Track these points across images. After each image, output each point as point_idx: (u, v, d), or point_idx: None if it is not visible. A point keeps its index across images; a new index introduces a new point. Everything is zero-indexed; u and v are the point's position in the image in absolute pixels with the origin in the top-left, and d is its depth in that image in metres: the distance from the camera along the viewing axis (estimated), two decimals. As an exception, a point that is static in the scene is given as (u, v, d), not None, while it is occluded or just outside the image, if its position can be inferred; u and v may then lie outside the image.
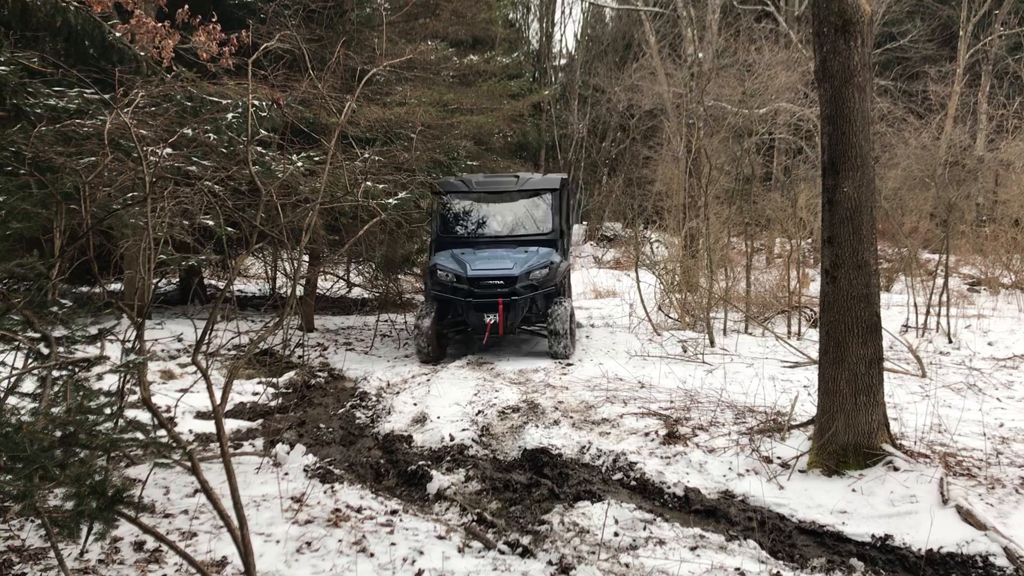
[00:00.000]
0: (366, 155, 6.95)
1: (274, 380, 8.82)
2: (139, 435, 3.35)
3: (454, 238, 10.59)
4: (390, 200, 6.55)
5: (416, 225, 11.21)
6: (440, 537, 4.58)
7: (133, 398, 5.95)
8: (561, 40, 60.97)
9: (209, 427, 6.86)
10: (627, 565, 4.38)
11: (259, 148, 5.91)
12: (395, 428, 7.21)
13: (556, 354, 9.76)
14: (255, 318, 11.72)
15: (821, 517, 5.13)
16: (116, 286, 11.70)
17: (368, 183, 5.60)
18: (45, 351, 3.48)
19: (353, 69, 7.19)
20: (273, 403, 8.03)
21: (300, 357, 10.08)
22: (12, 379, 3.43)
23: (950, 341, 10.62)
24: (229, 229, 5.37)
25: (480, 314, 9.45)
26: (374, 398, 8.41)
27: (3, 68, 4.63)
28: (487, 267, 9.48)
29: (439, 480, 5.72)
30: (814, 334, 10.37)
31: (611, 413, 7.35)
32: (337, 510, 4.93)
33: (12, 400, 3.34)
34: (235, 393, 8.11)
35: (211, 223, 5.23)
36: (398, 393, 8.52)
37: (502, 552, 4.42)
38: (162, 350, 9.42)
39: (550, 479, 5.79)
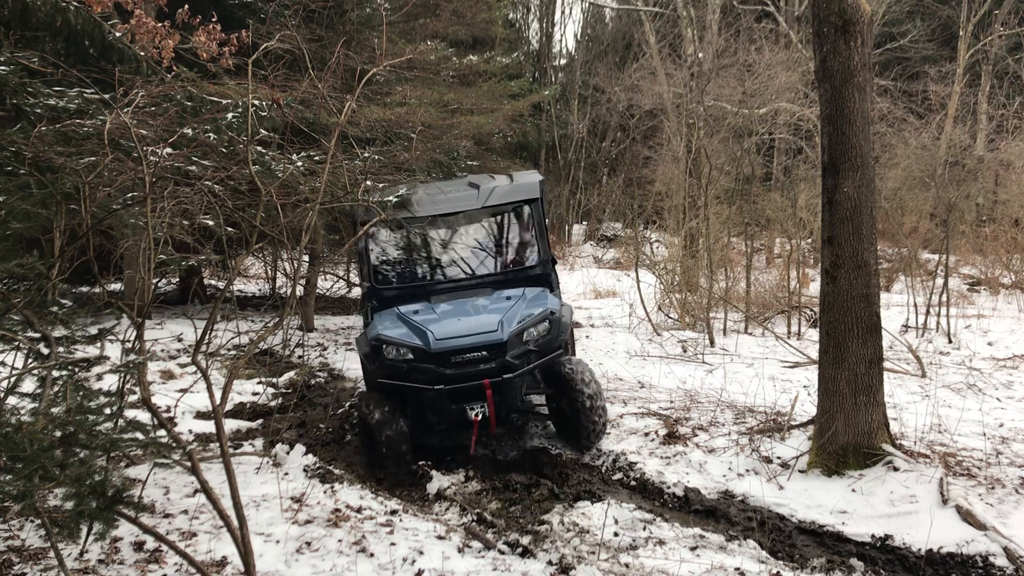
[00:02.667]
0: (366, 155, 6.95)
1: (274, 380, 8.82)
2: (139, 435, 3.35)
3: (397, 289, 6.90)
4: (390, 198, 6.55)
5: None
6: (440, 537, 4.57)
7: (133, 398, 5.95)
8: (561, 40, 60.99)
9: (209, 427, 6.86)
10: (627, 565, 4.38)
11: (259, 148, 5.91)
12: (395, 428, 7.21)
13: (586, 446, 6.33)
14: (255, 318, 11.72)
15: (821, 517, 5.14)
16: (116, 286, 11.70)
17: (368, 183, 5.60)
18: (45, 351, 3.48)
19: (353, 69, 7.19)
20: (273, 403, 8.03)
21: (300, 357, 10.08)
22: (12, 379, 3.43)
23: (950, 341, 10.62)
24: (229, 229, 5.37)
25: (458, 407, 5.96)
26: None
27: (3, 68, 4.63)
28: (458, 331, 6.00)
29: (439, 480, 5.71)
30: (814, 334, 10.37)
31: (611, 413, 7.35)
32: (337, 510, 4.93)
33: (12, 400, 3.34)
34: (235, 393, 8.11)
35: (211, 223, 5.23)
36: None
37: (502, 552, 4.42)
38: (162, 350, 9.42)
39: (550, 479, 5.80)
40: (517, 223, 7.46)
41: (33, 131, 4.29)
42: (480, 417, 5.93)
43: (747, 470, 5.83)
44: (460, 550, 4.40)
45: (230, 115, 5.50)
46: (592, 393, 6.14)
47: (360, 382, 9.08)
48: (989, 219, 18.14)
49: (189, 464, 3.51)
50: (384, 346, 6.05)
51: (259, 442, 6.61)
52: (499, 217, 7.46)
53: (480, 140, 16.33)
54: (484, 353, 5.92)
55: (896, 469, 5.45)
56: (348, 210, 7.09)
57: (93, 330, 3.90)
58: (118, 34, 5.89)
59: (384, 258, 7.27)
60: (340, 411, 7.91)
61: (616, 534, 4.84)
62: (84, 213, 4.14)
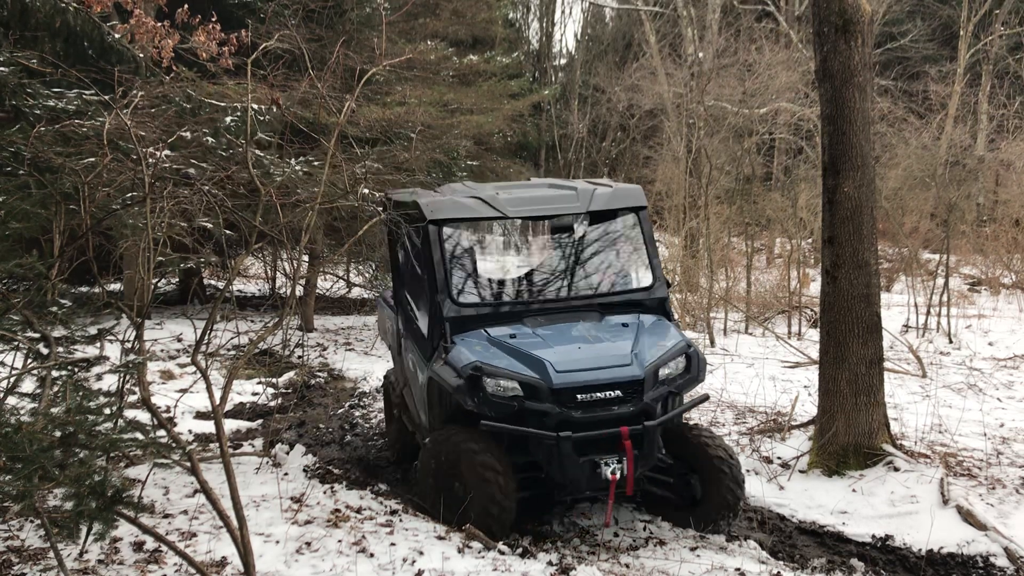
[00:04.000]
0: (366, 161, 6.94)
1: (274, 380, 8.82)
2: (139, 435, 3.35)
3: (486, 307, 5.34)
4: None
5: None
6: (440, 537, 4.57)
7: (133, 398, 5.95)
8: (561, 40, 60.94)
9: (209, 427, 6.86)
10: (627, 565, 4.38)
11: (258, 152, 5.91)
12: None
13: (720, 528, 4.99)
14: (255, 318, 11.72)
15: (821, 517, 5.13)
16: (116, 286, 11.70)
17: (366, 191, 5.60)
18: (45, 351, 3.48)
19: (353, 69, 7.19)
20: (273, 403, 8.03)
21: (300, 357, 10.08)
22: (12, 379, 3.43)
23: (950, 341, 10.61)
24: (227, 232, 5.37)
25: (587, 462, 4.59)
26: (374, 398, 8.41)
27: (2, 68, 4.63)
28: (582, 363, 4.71)
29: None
30: (814, 334, 10.37)
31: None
32: (337, 510, 4.92)
33: (12, 400, 3.33)
34: (235, 393, 8.11)
35: (210, 224, 5.22)
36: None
37: (502, 552, 4.42)
38: (162, 350, 9.42)
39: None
40: (624, 235, 5.83)
41: (32, 131, 4.28)
42: (618, 476, 4.51)
43: (747, 470, 5.82)
44: (460, 550, 4.39)
45: (228, 119, 5.50)
46: (735, 461, 4.94)
47: (360, 382, 9.06)
48: (990, 219, 18.14)
49: (189, 464, 3.51)
50: (484, 378, 4.57)
51: (259, 442, 6.61)
52: (603, 226, 5.81)
53: (480, 140, 16.33)
54: (618, 393, 4.60)
55: (897, 469, 5.44)
56: (395, 203, 5.78)
57: (93, 330, 3.89)
58: (117, 35, 5.89)
59: (464, 267, 5.48)
60: (340, 411, 7.91)
61: (616, 534, 4.84)
62: (83, 213, 4.14)
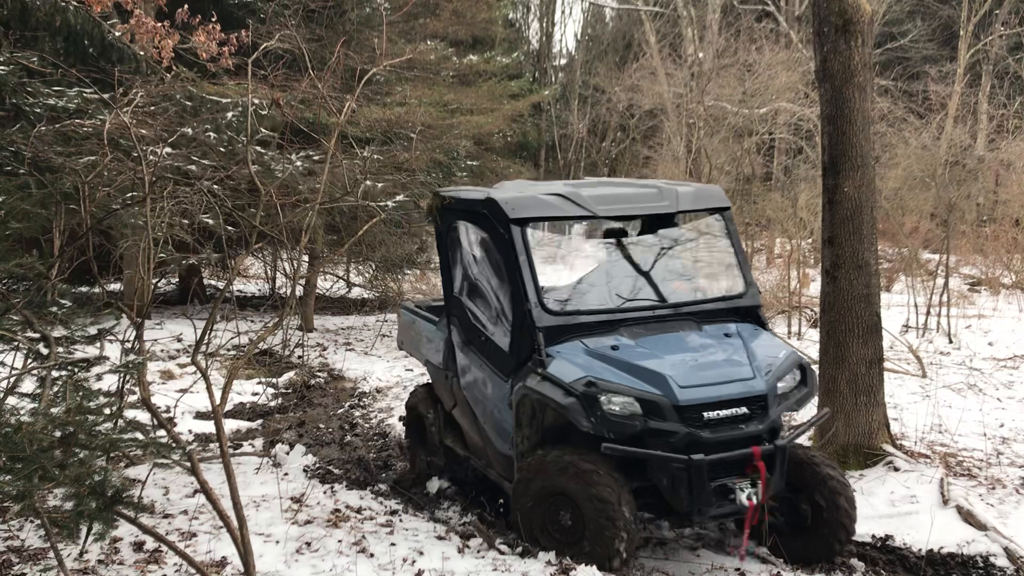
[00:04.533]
0: (366, 154, 6.93)
1: (274, 380, 8.82)
2: (139, 435, 3.35)
3: (579, 316, 4.69)
4: (388, 203, 6.53)
5: (416, 225, 11.14)
6: (440, 537, 4.57)
7: (133, 398, 5.95)
8: (561, 40, 60.95)
9: (209, 427, 6.85)
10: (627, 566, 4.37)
11: (259, 148, 5.90)
12: (395, 428, 7.21)
13: (832, 557, 4.54)
14: (255, 318, 11.72)
15: (821, 517, 5.12)
16: (116, 286, 11.70)
17: (368, 182, 5.59)
18: (45, 351, 3.47)
19: (353, 69, 7.19)
20: (273, 403, 8.03)
21: (300, 357, 10.07)
22: (12, 379, 3.43)
23: (950, 341, 10.61)
24: (229, 228, 5.37)
25: (719, 487, 4.17)
26: (373, 398, 8.41)
27: (3, 68, 4.63)
28: (704, 377, 4.28)
29: (439, 480, 5.71)
30: (814, 334, 10.36)
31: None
32: (337, 510, 4.92)
33: (12, 400, 3.33)
34: (235, 393, 8.11)
35: (211, 223, 5.22)
36: (398, 394, 8.52)
37: (502, 552, 4.42)
38: (162, 350, 9.42)
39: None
40: (711, 237, 5.39)
41: (33, 131, 4.29)
42: (755, 501, 4.09)
43: (747, 470, 5.82)
44: (460, 550, 4.39)
45: (230, 114, 5.50)
46: (848, 483, 4.49)
47: (360, 382, 9.05)
48: (990, 219, 18.14)
49: (189, 464, 3.50)
50: (600, 395, 4.08)
51: (259, 442, 6.61)
52: (690, 228, 5.49)
53: (480, 140, 16.32)
54: (744, 409, 4.17)
55: (897, 469, 5.44)
56: (453, 200, 5.24)
57: (93, 330, 3.89)
58: (118, 34, 5.89)
59: (550, 271, 4.96)
60: (340, 411, 7.91)
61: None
62: (83, 213, 4.14)
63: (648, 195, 5.13)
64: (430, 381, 6.00)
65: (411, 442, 6.07)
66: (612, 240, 5.33)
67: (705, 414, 4.10)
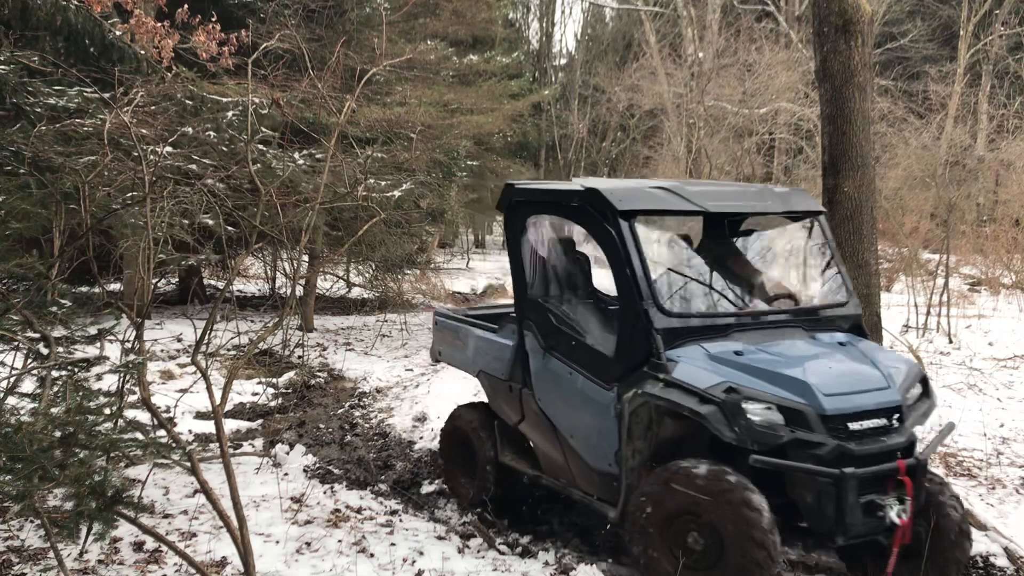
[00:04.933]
0: (367, 153, 6.92)
1: (274, 380, 8.82)
2: (139, 435, 3.35)
3: (696, 318, 4.31)
4: (394, 192, 6.50)
5: (416, 225, 11.13)
6: (440, 537, 4.57)
7: (133, 398, 5.95)
8: (561, 40, 61.01)
9: (209, 427, 6.85)
10: (628, 565, 4.38)
11: (259, 147, 5.90)
12: (395, 428, 7.21)
13: None
14: (255, 318, 11.72)
15: (821, 517, 5.11)
16: (116, 286, 11.70)
17: (369, 181, 5.58)
18: (45, 351, 3.47)
19: (353, 69, 7.19)
20: (273, 403, 8.03)
21: (300, 357, 10.07)
22: (12, 379, 3.43)
23: (950, 341, 10.61)
24: (229, 228, 5.36)
25: (868, 502, 3.80)
26: (373, 398, 8.41)
27: (3, 67, 4.63)
28: (845, 384, 3.94)
29: (439, 480, 5.71)
30: (814, 334, 10.36)
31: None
32: (337, 510, 4.92)
33: (12, 400, 3.33)
34: (235, 393, 8.11)
35: (211, 222, 5.22)
36: (398, 394, 8.52)
37: (502, 552, 4.42)
38: (162, 350, 9.42)
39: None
40: (810, 242, 5.04)
41: (33, 130, 4.29)
42: (905, 519, 3.75)
43: (747, 470, 5.82)
44: (460, 550, 4.40)
45: (230, 114, 5.49)
46: (964, 508, 4.16)
47: (360, 382, 9.05)
48: (990, 219, 18.15)
49: (189, 464, 3.50)
50: (745, 402, 3.75)
51: (259, 442, 6.61)
52: (789, 230, 5.09)
53: (480, 140, 16.34)
54: (884, 420, 3.88)
55: (897, 469, 5.43)
56: (534, 192, 4.93)
57: (93, 330, 3.89)
58: (118, 33, 5.89)
59: (661, 269, 4.49)
60: (340, 411, 7.91)
61: (616, 534, 4.84)
62: (84, 213, 4.14)
63: (750, 194, 4.90)
64: (473, 400, 5.75)
65: (450, 468, 5.54)
66: (724, 237, 5.03)
67: (850, 424, 3.76)
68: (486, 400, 5.39)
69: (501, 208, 5.02)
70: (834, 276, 4.84)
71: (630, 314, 4.15)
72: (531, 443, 4.99)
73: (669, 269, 4.55)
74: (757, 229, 5.13)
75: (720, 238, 5.05)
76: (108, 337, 4.14)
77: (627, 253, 4.17)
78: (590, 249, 5.04)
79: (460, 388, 8.38)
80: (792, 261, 5.14)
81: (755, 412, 3.75)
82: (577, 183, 4.63)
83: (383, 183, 7.32)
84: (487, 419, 5.26)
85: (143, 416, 5.22)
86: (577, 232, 4.90)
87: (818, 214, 4.94)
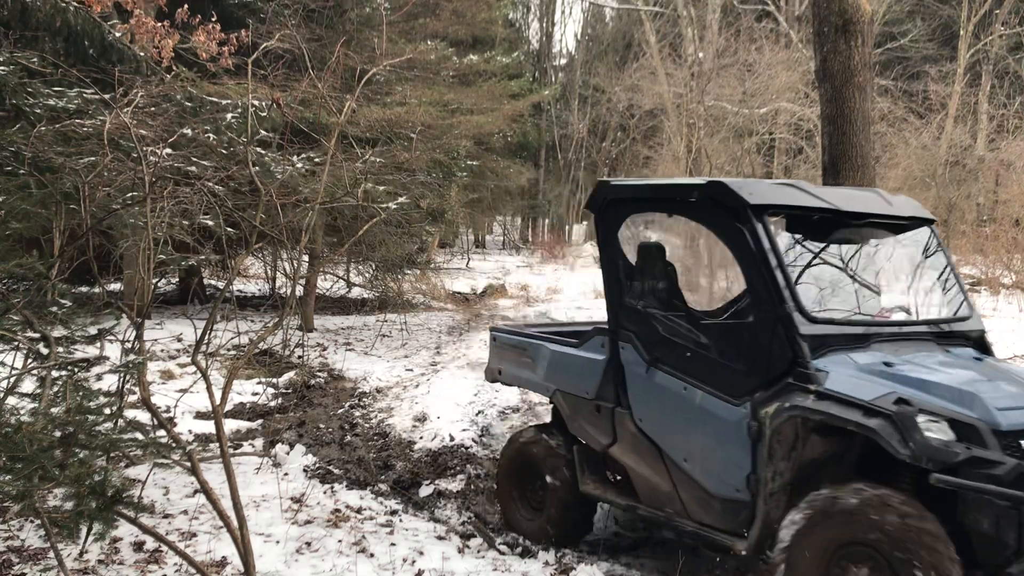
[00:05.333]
0: (366, 156, 6.92)
1: (274, 380, 8.82)
2: (139, 435, 3.35)
3: (840, 326, 3.99)
4: (390, 204, 6.51)
5: (416, 225, 11.13)
6: (440, 537, 4.57)
7: (133, 398, 5.95)
8: (561, 40, 60.97)
9: (209, 427, 6.86)
10: (627, 565, 4.38)
11: (259, 148, 5.90)
12: (395, 428, 7.21)
13: None
14: (255, 318, 11.72)
15: (821, 517, 5.11)
16: (116, 286, 11.70)
17: (368, 185, 5.58)
18: (45, 351, 3.47)
19: (353, 69, 7.20)
20: (273, 403, 8.03)
21: (300, 357, 10.08)
22: (12, 379, 3.43)
23: (950, 341, 10.61)
24: (229, 229, 5.36)
25: None
26: (373, 398, 8.41)
27: (3, 68, 4.63)
28: (1013, 400, 3.68)
29: (439, 480, 5.72)
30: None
31: (611, 413, 7.34)
32: (337, 510, 4.92)
33: (12, 400, 3.33)
34: (235, 393, 8.11)
35: (211, 223, 5.22)
36: (398, 394, 8.52)
37: (502, 552, 4.43)
38: (162, 350, 9.42)
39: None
40: (927, 252, 4.75)
41: (33, 131, 4.29)
42: None
43: (747, 470, 5.82)
44: (460, 550, 4.40)
45: (230, 115, 5.49)
46: None
47: (360, 382, 9.04)
48: (990, 219, 18.14)
49: (189, 464, 3.51)
50: (919, 418, 3.39)
51: (259, 442, 6.61)
52: (906, 239, 4.75)
53: (480, 140, 16.34)
54: None
55: (897, 469, 5.43)
56: (641, 188, 4.56)
57: (93, 330, 3.89)
58: (118, 34, 5.89)
59: (795, 272, 4.08)
60: (340, 411, 7.91)
61: (616, 534, 4.84)
62: (84, 213, 4.14)
63: (874, 199, 4.52)
64: (543, 420, 5.19)
65: (510, 498, 4.94)
66: (852, 242, 4.59)
67: (1022, 442, 3.40)
68: (549, 420, 5.00)
69: (593, 208, 4.55)
70: (954, 288, 4.54)
71: (767, 320, 3.77)
72: (624, 470, 4.41)
73: (812, 270, 4.17)
74: (872, 236, 4.68)
75: (846, 242, 4.55)
76: (108, 337, 4.13)
77: (762, 252, 3.80)
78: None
79: (460, 388, 8.38)
80: (910, 271, 4.73)
81: (928, 426, 3.35)
82: (694, 180, 4.35)
83: (381, 187, 7.32)
84: (564, 443, 4.69)
85: (143, 416, 5.22)
86: (677, 233, 4.53)
87: (932, 222, 4.65)
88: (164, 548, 3.99)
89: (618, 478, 4.58)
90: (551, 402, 4.91)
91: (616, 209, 4.44)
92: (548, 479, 4.65)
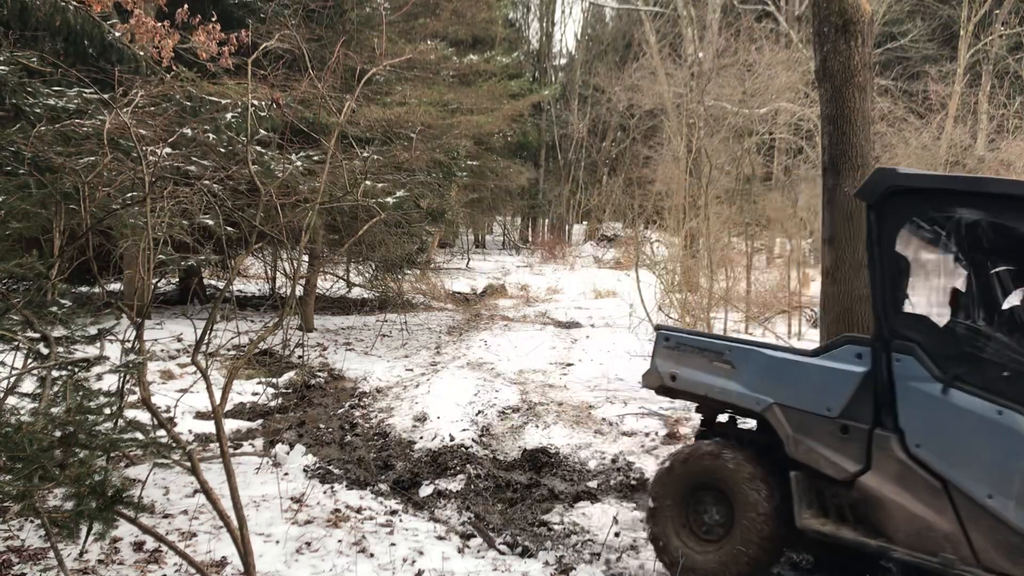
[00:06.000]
0: (366, 154, 6.91)
1: (274, 380, 8.82)
2: (139, 435, 3.35)
3: None
4: (389, 200, 6.52)
5: (416, 225, 11.13)
6: (440, 537, 4.57)
7: (133, 398, 5.95)
8: (561, 40, 60.97)
9: (209, 427, 6.85)
10: (627, 566, 4.38)
11: (259, 148, 5.89)
12: (395, 428, 7.21)
13: None
14: (255, 318, 11.72)
15: (821, 517, 5.10)
16: (116, 286, 11.69)
17: (368, 183, 5.57)
18: (45, 351, 3.47)
19: (353, 69, 7.19)
20: (273, 403, 8.03)
21: (300, 357, 10.07)
22: (12, 379, 3.43)
23: (950, 341, 10.60)
24: (229, 229, 5.36)
25: None
26: (373, 398, 8.41)
27: (3, 68, 4.63)
28: None
29: (439, 480, 5.71)
30: (815, 334, 10.36)
31: (611, 413, 7.34)
32: (337, 510, 4.92)
33: (12, 400, 3.33)
34: (235, 393, 8.11)
35: (211, 223, 5.22)
36: (398, 394, 8.51)
37: (502, 552, 4.43)
38: (162, 350, 9.42)
39: (550, 479, 5.80)
40: None
41: (32, 131, 4.28)
42: None
43: (747, 470, 5.82)
44: (460, 550, 4.40)
45: (229, 115, 5.49)
46: None
47: (360, 382, 9.04)
48: (989, 219, 18.11)
49: (189, 464, 3.50)
50: None
51: (259, 442, 6.61)
52: None
53: (480, 140, 16.35)
54: None
55: (897, 469, 5.42)
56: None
57: (93, 330, 3.89)
58: (117, 34, 5.89)
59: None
60: (340, 411, 7.91)
61: (617, 534, 4.84)
62: (83, 213, 4.14)
63: None
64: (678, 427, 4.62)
65: (669, 525, 4.27)
66: None
67: None
68: (731, 435, 4.49)
69: (867, 197, 3.92)
70: None
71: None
72: (872, 504, 3.79)
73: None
74: None
75: None
76: (108, 337, 4.13)
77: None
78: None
79: (460, 388, 8.38)
80: None
81: None
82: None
83: (380, 185, 7.32)
84: (774, 465, 4.09)
85: (143, 416, 5.21)
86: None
87: None
88: (164, 548, 3.99)
89: (856, 513, 3.84)
90: (756, 417, 4.25)
91: (898, 203, 3.78)
92: (743, 507, 3.99)
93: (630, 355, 10.21)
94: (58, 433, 2.91)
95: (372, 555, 4.25)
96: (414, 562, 4.18)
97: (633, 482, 5.78)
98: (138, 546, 4.17)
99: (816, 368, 4.00)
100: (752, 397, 4.19)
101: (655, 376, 4.64)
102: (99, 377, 4.11)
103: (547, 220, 33.82)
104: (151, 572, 3.93)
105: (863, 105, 5.62)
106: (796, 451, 3.98)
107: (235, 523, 3.56)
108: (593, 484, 5.73)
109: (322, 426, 7.31)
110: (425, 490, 5.60)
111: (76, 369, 3.44)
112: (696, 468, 4.23)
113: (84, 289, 11.04)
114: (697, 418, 7.15)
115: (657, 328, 4.92)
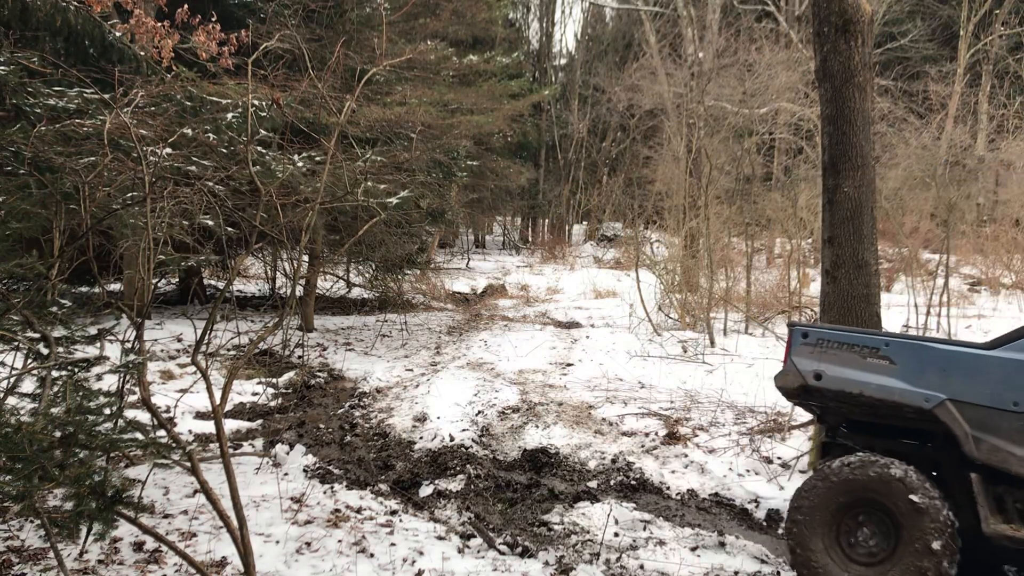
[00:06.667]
0: (366, 155, 6.91)
1: (274, 380, 8.82)
2: (139, 435, 3.34)
3: None
4: (390, 200, 6.52)
5: (416, 225, 11.13)
6: (440, 537, 4.57)
7: (133, 398, 5.95)
8: (561, 40, 60.96)
9: (209, 427, 6.85)
10: (627, 566, 4.38)
11: (259, 148, 5.89)
12: (395, 428, 7.21)
13: None
14: (255, 318, 11.72)
15: (821, 517, 5.11)
16: (116, 286, 11.70)
17: (368, 183, 5.58)
18: (45, 351, 3.47)
19: (353, 69, 7.20)
20: (273, 403, 8.03)
21: (300, 357, 10.08)
22: (12, 379, 3.43)
23: (950, 341, 10.60)
24: (229, 229, 5.36)
25: None
26: (373, 398, 8.41)
27: (3, 68, 4.63)
28: None
29: (439, 480, 5.71)
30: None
31: (611, 413, 7.34)
32: (337, 510, 4.92)
33: (12, 400, 3.33)
34: (235, 393, 8.11)
35: (211, 223, 5.22)
36: (398, 394, 8.51)
37: (502, 552, 4.42)
38: (162, 350, 9.42)
39: (550, 479, 5.80)
40: None
41: (33, 131, 4.28)
42: None
43: (747, 470, 5.83)
44: (460, 550, 4.40)
45: (230, 115, 5.49)
46: None
47: (360, 382, 9.04)
48: (990, 219, 18.16)
49: (189, 464, 3.50)
50: None
51: (259, 442, 6.61)
52: None
53: (480, 140, 16.34)
54: None
55: (896, 469, 5.42)
56: None
57: (93, 330, 3.89)
58: (118, 34, 5.89)
59: None
60: (340, 411, 7.91)
61: (616, 534, 4.84)
62: (84, 213, 4.14)
63: None
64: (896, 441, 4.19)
65: (813, 543, 3.94)
66: None
67: None
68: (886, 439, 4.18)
69: None
70: None
71: None
72: None
73: None
74: None
75: None
76: (108, 337, 4.14)
77: None
78: None
79: (460, 388, 8.38)
80: None
81: None
82: None
83: (381, 186, 7.32)
84: (952, 472, 3.87)
85: (143, 416, 5.22)
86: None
87: None
88: (164, 548, 3.99)
89: None
90: (924, 415, 3.88)
91: None
92: (915, 520, 3.68)
93: (630, 355, 10.21)
94: (58, 433, 2.91)
95: (372, 555, 4.25)
96: (414, 562, 4.18)
97: (633, 482, 5.78)
98: (138, 546, 4.17)
99: (997, 360, 3.74)
100: (919, 394, 3.87)
101: (794, 375, 4.28)
102: (99, 377, 4.12)
103: (547, 220, 33.83)
104: (151, 572, 3.93)
105: (863, 105, 5.62)
106: (977, 450, 3.70)
107: (235, 523, 3.56)
108: (593, 484, 5.73)
109: (322, 426, 7.31)
110: (425, 490, 5.60)
111: (76, 369, 3.44)
112: (854, 487, 3.87)
113: (84, 289, 11.05)
114: (697, 418, 7.18)
115: (791, 325, 4.48)
